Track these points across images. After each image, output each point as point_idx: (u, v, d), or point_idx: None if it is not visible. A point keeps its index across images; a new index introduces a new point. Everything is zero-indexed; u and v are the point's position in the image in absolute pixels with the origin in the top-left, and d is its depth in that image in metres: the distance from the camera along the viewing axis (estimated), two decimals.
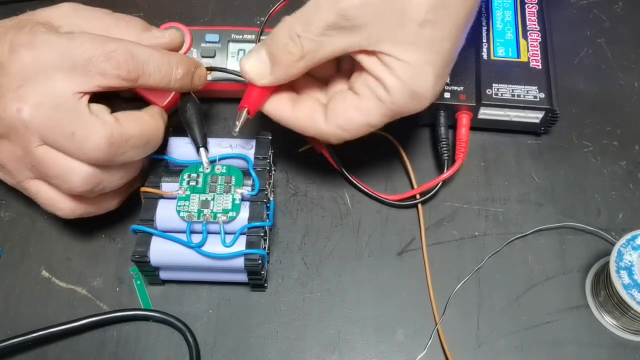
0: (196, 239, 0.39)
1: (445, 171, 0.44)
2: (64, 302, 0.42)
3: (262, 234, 0.39)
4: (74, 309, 0.41)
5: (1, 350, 0.38)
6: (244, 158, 0.42)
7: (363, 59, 0.37)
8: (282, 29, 0.37)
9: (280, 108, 0.40)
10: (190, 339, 0.40)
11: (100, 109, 0.37)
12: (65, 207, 0.39)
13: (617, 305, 0.39)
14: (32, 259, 0.43)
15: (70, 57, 0.36)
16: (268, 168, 0.42)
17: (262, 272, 0.40)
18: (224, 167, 0.41)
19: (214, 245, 0.39)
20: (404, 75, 0.36)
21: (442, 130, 0.46)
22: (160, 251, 0.39)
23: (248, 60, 0.38)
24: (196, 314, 0.41)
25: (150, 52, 0.38)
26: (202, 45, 0.48)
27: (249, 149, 0.42)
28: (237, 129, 0.39)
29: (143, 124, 0.38)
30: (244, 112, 0.39)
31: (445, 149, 0.45)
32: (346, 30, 0.35)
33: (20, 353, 0.40)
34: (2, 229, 0.44)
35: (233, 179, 0.40)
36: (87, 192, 0.37)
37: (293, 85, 0.40)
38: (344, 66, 0.42)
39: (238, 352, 0.40)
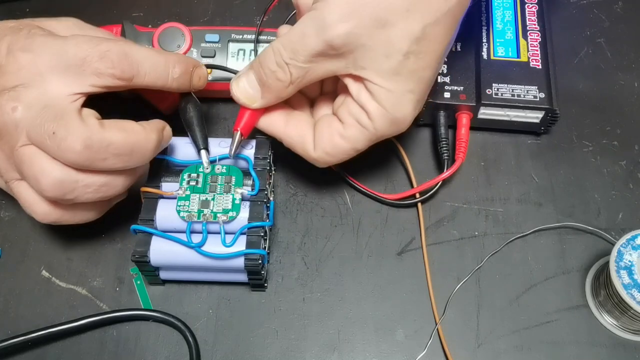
0: (196, 238, 0.39)
1: (445, 171, 0.44)
2: (64, 302, 0.42)
3: (262, 234, 0.39)
4: (74, 309, 0.41)
5: (1, 350, 0.38)
6: (244, 158, 0.42)
7: (349, 82, 0.38)
8: (270, 55, 0.37)
9: (274, 124, 0.41)
10: (191, 339, 0.40)
11: (89, 113, 0.37)
12: (40, 210, 0.38)
13: (617, 305, 0.39)
14: (32, 259, 0.43)
15: (65, 57, 0.36)
16: (268, 168, 0.42)
17: (262, 272, 0.40)
18: (224, 167, 0.41)
19: (214, 245, 0.39)
20: (386, 102, 0.37)
21: (442, 130, 0.46)
22: (160, 251, 0.39)
23: (238, 84, 0.39)
24: (196, 314, 0.41)
25: (146, 52, 0.38)
26: (202, 45, 0.48)
27: (249, 149, 0.42)
28: (233, 152, 0.41)
29: (130, 133, 0.36)
30: (238, 135, 0.40)
31: (445, 148, 0.45)
32: (333, 58, 0.36)
33: (20, 353, 0.40)
34: (2, 229, 0.44)
35: (233, 179, 0.40)
36: (57, 198, 0.36)
37: (286, 101, 0.41)
38: (326, 88, 0.43)
39: (238, 352, 0.40)
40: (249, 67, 0.39)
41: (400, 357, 0.40)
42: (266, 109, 0.41)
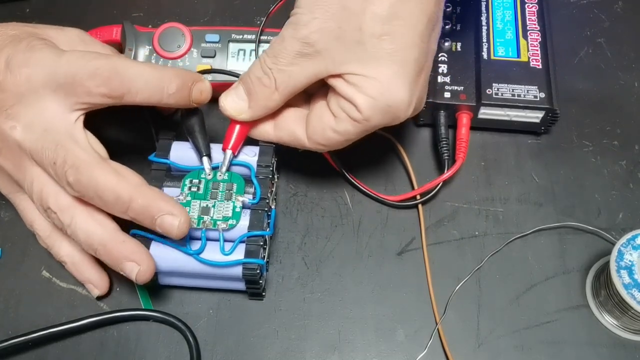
0: (196, 245, 0.38)
1: (445, 171, 0.44)
2: (64, 302, 0.42)
3: (261, 243, 0.39)
4: (75, 309, 0.41)
5: (2, 350, 0.38)
6: (246, 165, 0.41)
7: (333, 82, 0.37)
8: (256, 64, 0.38)
9: (263, 132, 0.41)
10: (191, 339, 0.40)
11: (93, 143, 0.37)
12: (40, 227, 0.40)
13: (617, 305, 0.39)
14: (32, 259, 0.43)
15: (57, 74, 0.36)
16: (270, 176, 0.41)
17: (260, 282, 0.40)
18: (226, 174, 0.41)
19: (212, 252, 0.38)
20: (373, 92, 0.36)
21: (442, 130, 0.46)
22: (159, 257, 0.38)
23: (227, 97, 0.40)
24: (197, 314, 0.41)
25: (140, 68, 0.37)
26: (202, 45, 0.48)
27: (251, 156, 0.42)
28: (224, 169, 0.41)
29: (117, 181, 0.36)
30: (229, 154, 0.41)
31: (445, 148, 0.45)
32: (311, 57, 0.36)
33: (20, 353, 0.40)
34: (2, 229, 0.44)
35: (234, 186, 0.40)
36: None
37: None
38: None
39: (238, 352, 0.40)
40: (238, 81, 0.40)
41: (400, 357, 0.40)
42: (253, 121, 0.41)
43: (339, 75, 0.37)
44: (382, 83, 0.36)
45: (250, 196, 0.40)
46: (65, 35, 0.40)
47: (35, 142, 0.36)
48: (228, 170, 0.41)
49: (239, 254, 0.38)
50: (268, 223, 0.41)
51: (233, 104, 0.40)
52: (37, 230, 0.40)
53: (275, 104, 0.39)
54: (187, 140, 0.42)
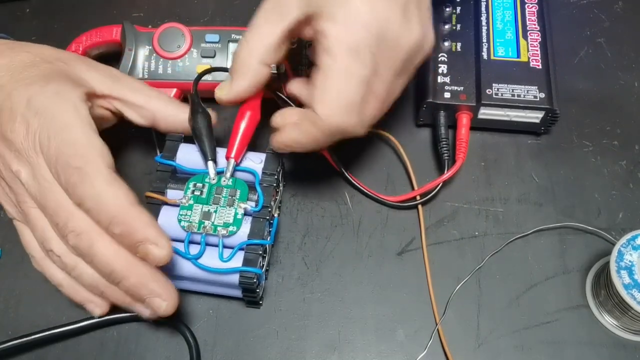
0: (195, 249, 0.38)
1: (445, 171, 0.44)
2: (64, 302, 0.41)
3: (260, 252, 0.38)
4: (75, 309, 0.41)
5: (1, 351, 0.38)
6: (251, 172, 0.41)
7: (308, 31, 0.37)
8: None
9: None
10: (191, 339, 0.40)
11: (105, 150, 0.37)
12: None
13: (617, 305, 0.39)
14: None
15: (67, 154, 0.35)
16: (275, 185, 0.41)
17: (257, 291, 0.39)
18: (231, 180, 0.40)
19: (211, 258, 0.38)
20: (337, 13, 0.35)
21: (442, 130, 0.46)
22: None
23: (217, 88, 0.40)
24: (196, 314, 0.41)
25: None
26: (202, 45, 0.48)
27: (257, 163, 0.41)
28: (229, 176, 0.40)
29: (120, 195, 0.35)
30: (232, 162, 0.40)
31: (445, 149, 0.45)
32: (279, 9, 0.36)
33: (20, 354, 0.40)
34: (2, 229, 0.44)
35: (238, 193, 0.40)
36: None
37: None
38: None
39: (238, 352, 0.40)
40: None
41: (400, 357, 0.40)
42: (255, 131, 0.41)
43: (309, 20, 0.36)
44: (341, 2, 0.35)
45: (253, 204, 0.40)
46: (98, 72, 0.40)
47: (35, 189, 0.36)
48: (233, 176, 0.41)
49: (237, 261, 0.38)
50: (269, 232, 0.40)
51: (220, 88, 0.39)
52: (31, 252, 0.39)
53: (254, 68, 0.37)
54: (193, 143, 0.41)
